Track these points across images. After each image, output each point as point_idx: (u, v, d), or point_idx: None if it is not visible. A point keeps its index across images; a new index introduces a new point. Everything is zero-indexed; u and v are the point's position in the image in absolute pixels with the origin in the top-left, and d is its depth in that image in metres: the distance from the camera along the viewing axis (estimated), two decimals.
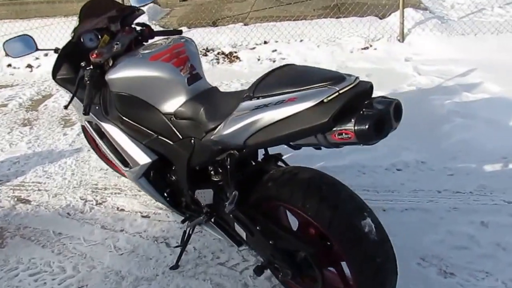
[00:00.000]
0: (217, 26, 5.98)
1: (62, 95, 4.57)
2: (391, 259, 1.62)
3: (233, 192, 1.73)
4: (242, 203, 1.79)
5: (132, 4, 2.45)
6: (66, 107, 2.24)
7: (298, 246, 1.72)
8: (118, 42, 2.14)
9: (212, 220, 2.02)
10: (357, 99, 1.41)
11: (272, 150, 1.97)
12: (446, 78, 4.18)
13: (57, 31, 5.91)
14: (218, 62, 5.27)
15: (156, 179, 2.19)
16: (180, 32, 2.54)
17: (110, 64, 2.10)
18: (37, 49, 2.28)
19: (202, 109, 1.83)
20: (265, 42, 5.44)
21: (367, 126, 1.34)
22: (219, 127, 1.68)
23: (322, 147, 1.55)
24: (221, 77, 4.82)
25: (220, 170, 1.86)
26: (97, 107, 2.27)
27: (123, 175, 2.78)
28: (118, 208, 2.78)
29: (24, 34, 2.26)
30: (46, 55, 5.45)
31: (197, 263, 2.29)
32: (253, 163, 2.04)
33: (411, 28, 5.21)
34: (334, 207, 1.57)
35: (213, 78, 4.76)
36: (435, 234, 2.32)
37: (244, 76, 4.81)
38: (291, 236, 1.73)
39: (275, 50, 5.29)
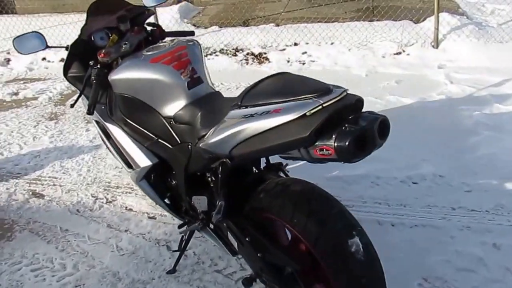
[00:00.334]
0: (248, 26, 5.96)
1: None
2: (378, 280, 1.53)
3: (220, 202, 1.70)
4: (235, 212, 1.76)
5: (145, 4, 2.45)
6: (72, 105, 2.26)
7: (284, 262, 1.67)
8: (126, 42, 2.13)
9: (210, 227, 1.99)
10: (345, 113, 1.35)
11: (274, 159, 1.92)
12: (479, 88, 4.01)
13: None
14: (247, 63, 5.24)
15: (157, 182, 2.17)
16: (192, 33, 2.51)
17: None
18: (47, 47, 2.29)
19: (199, 114, 1.80)
20: (295, 44, 5.37)
21: (347, 143, 1.28)
22: (207, 134, 1.65)
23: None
24: (249, 78, 4.77)
25: (213, 178, 1.82)
26: (103, 107, 2.27)
27: None
28: (126, 207, 2.80)
29: (34, 31, 2.28)
30: None
31: (194, 269, 2.27)
32: (256, 171, 2.00)
33: (446, 34, 5.02)
34: (322, 223, 1.51)
35: (241, 79, 4.76)
36: (442, 254, 2.20)
37: None
38: (278, 250, 1.67)
39: (305, 52, 5.21)
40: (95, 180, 3.12)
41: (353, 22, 5.59)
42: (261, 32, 5.59)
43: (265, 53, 5.28)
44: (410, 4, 5.82)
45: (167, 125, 1.93)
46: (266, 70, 4.99)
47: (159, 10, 5.78)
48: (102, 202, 2.88)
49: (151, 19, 2.49)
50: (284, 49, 5.32)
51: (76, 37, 2.26)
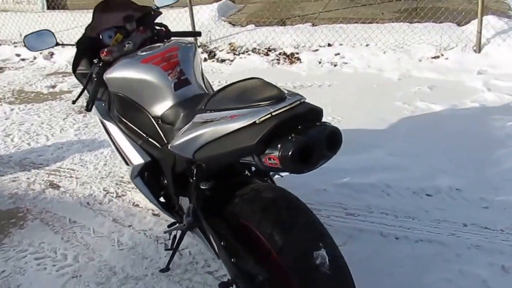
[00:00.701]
0: (284, 25, 5.90)
1: None
2: None
3: (189, 205, 1.68)
4: (215, 215, 1.74)
5: (157, 5, 2.46)
6: (74, 102, 2.31)
7: (255, 270, 1.62)
8: (130, 42, 2.16)
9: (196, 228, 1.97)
10: (300, 122, 1.29)
11: None
12: None
13: None
14: (278, 63, 5.19)
15: (150, 180, 2.17)
16: (199, 34, 2.50)
17: None
18: (57, 44, 2.35)
19: (181, 115, 1.79)
20: (329, 45, 5.27)
21: (290, 153, 1.23)
22: (176, 136, 1.64)
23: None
24: (277, 78, 4.71)
25: (191, 180, 1.80)
26: (103, 104, 2.30)
27: None
28: (134, 203, 2.82)
29: (45, 29, 2.34)
30: None
31: (187, 268, 2.26)
32: (248, 174, 1.97)
33: (490, 38, 4.77)
34: (287, 232, 1.45)
35: (268, 79, 4.68)
36: (444, 272, 2.08)
37: (301, 79, 4.70)
38: (250, 257, 1.63)
39: (338, 54, 5.10)
40: (109, 174, 3.18)
41: (393, 23, 5.42)
42: (295, 31, 5.53)
43: (297, 53, 5.20)
44: (457, 5, 5.55)
45: (156, 124, 1.93)
46: (296, 70, 4.93)
47: (195, 8, 5.83)
48: (112, 196, 2.92)
49: (160, 19, 2.49)
50: (317, 50, 5.23)
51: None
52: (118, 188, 2.99)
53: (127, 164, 2.26)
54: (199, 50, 5.65)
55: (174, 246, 2.20)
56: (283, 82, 4.58)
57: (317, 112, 1.36)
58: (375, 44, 5.12)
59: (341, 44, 5.23)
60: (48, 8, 8.32)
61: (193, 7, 5.60)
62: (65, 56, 5.92)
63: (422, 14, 5.26)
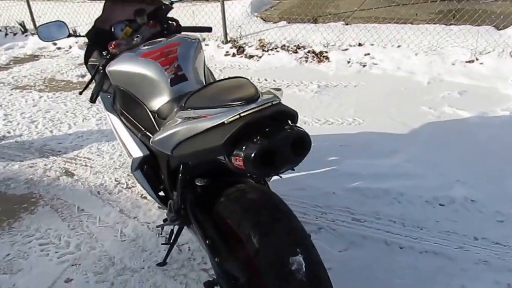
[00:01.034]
0: (317, 23, 5.80)
1: None
2: None
3: (169, 201, 1.66)
4: (204, 213, 1.71)
5: None
6: (80, 93, 2.33)
7: (235, 271, 1.58)
8: (138, 35, 2.16)
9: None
10: (272, 124, 1.25)
11: None
12: None
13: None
14: (306, 61, 5.10)
15: (149, 174, 2.16)
16: (210, 29, 2.47)
17: None
18: (69, 35, 2.37)
19: (175, 111, 1.77)
20: (360, 44, 5.15)
21: (252, 156, 1.18)
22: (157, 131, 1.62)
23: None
24: (303, 76, 4.66)
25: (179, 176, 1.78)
26: (109, 96, 2.32)
27: None
28: (142, 195, 2.83)
29: (58, 20, 2.37)
30: None
31: (183, 264, 2.25)
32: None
33: None
34: (264, 236, 1.41)
35: (294, 77, 4.65)
36: (445, 287, 1.98)
37: (327, 78, 4.60)
38: (231, 258, 1.59)
39: (368, 54, 4.97)
40: (123, 165, 3.20)
41: (429, 24, 5.25)
42: (326, 30, 5.43)
43: (326, 52, 5.10)
44: (496, 8, 5.31)
45: (152, 119, 1.92)
46: (323, 69, 4.83)
47: (227, 3, 5.82)
48: (122, 187, 2.94)
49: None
50: (347, 49, 5.11)
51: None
52: (129, 180, 3.01)
53: (130, 156, 2.27)
54: (214, 43, 5.62)
55: (171, 241, 2.21)
56: (308, 81, 4.51)
57: (291, 115, 1.31)
58: (407, 46, 4.96)
59: (372, 44, 5.10)
60: None
61: (225, 1, 5.58)
62: None
63: (458, 16, 5.05)
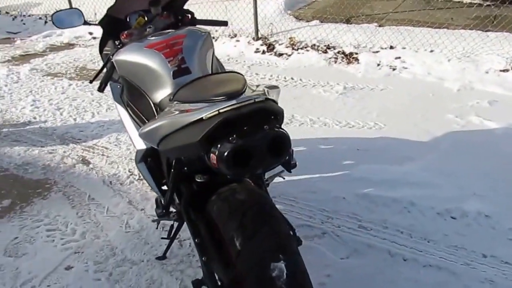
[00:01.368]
0: (350, 23, 5.70)
1: None
2: None
3: (156, 197, 1.65)
4: (198, 211, 1.70)
5: None
6: (91, 81, 2.35)
7: (220, 272, 1.56)
8: (151, 26, 2.16)
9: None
10: (255, 122, 1.21)
11: None
12: None
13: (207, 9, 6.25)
14: (335, 61, 5.02)
15: (153, 167, 2.16)
16: (225, 23, 2.45)
17: None
18: (85, 23, 2.40)
19: (167, 104, 1.76)
20: (391, 47, 5.02)
21: (225, 155, 1.15)
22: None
23: None
24: (330, 77, 4.58)
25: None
26: (118, 86, 2.33)
27: None
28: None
29: (75, 8, 2.41)
30: None
31: (182, 260, 2.25)
32: None
33: None
34: (248, 238, 1.38)
35: (321, 77, 4.58)
36: None
37: (354, 80, 4.51)
38: (218, 258, 1.57)
39: (399, 57, 4.84)
40: None
41: (464, 30, 5.07)
42: (357, 31, 5.33)
43: (356, 53, 5.00)
44: None
45: (155, 111, 1.92)
46: (352, 71, 4.73)
47: (261, 0, 5.79)
48: (134, 178, 2.97)
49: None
50: (377, 52, 4.99)
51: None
52: None
53: (134, 147, 2.28)
54: (245, 40, 5.58)
55: (171, 236, 2.20)
56: (334, 82, 4.43)
57: (275, 113, 1.27)
58: (440, 51, 4.80)
59: (404, 48, 4.96)
60: None
61: None
62: None
63: (495, 22, 4.85)
